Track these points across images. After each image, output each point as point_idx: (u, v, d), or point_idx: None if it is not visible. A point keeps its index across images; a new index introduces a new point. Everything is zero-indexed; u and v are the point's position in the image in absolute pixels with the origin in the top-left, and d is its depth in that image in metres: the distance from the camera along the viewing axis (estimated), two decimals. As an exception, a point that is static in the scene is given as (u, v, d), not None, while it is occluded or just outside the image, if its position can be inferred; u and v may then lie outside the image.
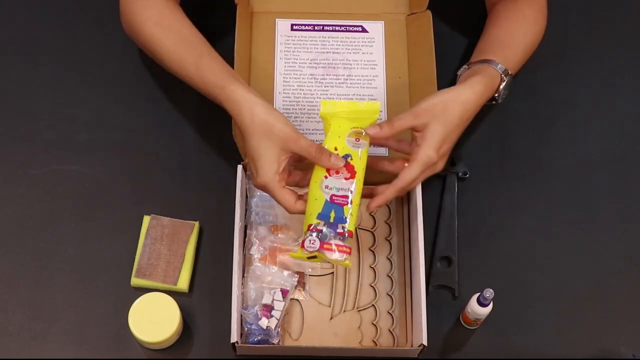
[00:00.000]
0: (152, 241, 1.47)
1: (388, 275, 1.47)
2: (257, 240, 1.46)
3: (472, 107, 1.40)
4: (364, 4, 1.66)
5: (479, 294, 1.37)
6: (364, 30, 1.64)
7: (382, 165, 1.41)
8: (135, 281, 1.45)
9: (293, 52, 1.62)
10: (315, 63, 1.61)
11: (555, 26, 1.61)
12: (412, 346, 1.40)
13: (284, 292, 1.42)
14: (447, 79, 1.53)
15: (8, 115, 1.58)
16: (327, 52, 1.62)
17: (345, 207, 1.34)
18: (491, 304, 1.38)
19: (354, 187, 1.35)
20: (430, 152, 1.35)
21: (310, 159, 1.35)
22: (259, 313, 1.40)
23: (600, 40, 1.70)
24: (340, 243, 1.34)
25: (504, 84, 1.46)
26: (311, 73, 1.60)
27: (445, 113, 1.36)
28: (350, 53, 1.62)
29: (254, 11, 1.64)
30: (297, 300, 1.45)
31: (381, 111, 1.56)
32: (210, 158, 1.54)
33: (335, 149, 1.36)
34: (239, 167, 1.43)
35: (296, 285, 1.45)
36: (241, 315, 1.40)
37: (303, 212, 1.36)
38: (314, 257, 1.35)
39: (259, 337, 1.40)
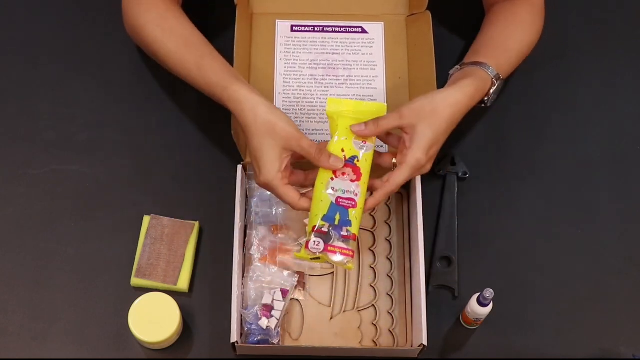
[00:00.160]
0: (152, 241, 1.47)
1: (388, 275, 1.47)
2: (257, 240, 1.46)
3: (461, 110, 1.39)
4: (364, 5, 1.66)
5: (479, 294, 1.37)
6: (363, 31, 1.64)
7: None
8: (135, 281, 1.45)
9: (293, 53, 1.62)
10: (315, 64, 1.61)
11: (555, 27, 1.62)
12: (412, 346, 1.40)
13: (284, 292, 1.42)
14: (446, 79, 1.52)
15: (8, 115, 1.59)
16: (327, 53, 1.62)
17: (350, 210, 1.35)
18: (491, 304, 1.38)
19: (360, 190, 1.36)
20: (419, 156, 1.35)
21: (310, 159, 1.35)
22: (259, 313, 1.40)
23: (600, 40, 1.70)
24: (344, 246, 1.35)
25: (494, 88, 1.46)
26: (311, 74, 1.60)
27: (434, 115, 1.36)
28: (350, 54, 1.62)
29: (253, 12, 1.64)
30: (297, 300, 1.45)
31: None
32: (210, 158, 1.54)
33: (343, 150, 1.36)
34: (239, 167, 1.43)
35: (296, 285, 1.45)
36: (241, 315, 1.40)
37: (307, 209, 1.37)
38: (317, 258, 1.36)
39: (259, 337, 1.40)
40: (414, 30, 1.63)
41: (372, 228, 1.51)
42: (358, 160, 1.36)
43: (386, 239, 1.50)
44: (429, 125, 1.35)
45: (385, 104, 1.40)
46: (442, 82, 1.52)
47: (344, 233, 1.35)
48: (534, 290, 1.49)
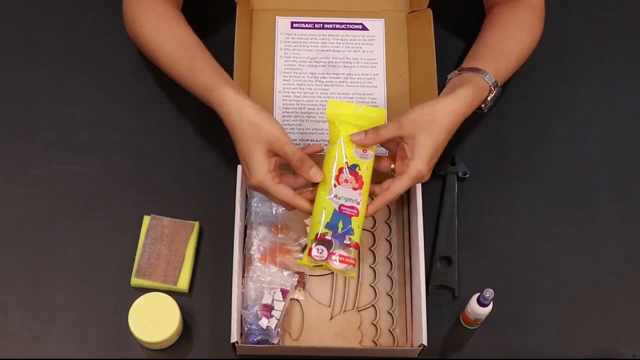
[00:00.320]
0: (152, 241, 1.47)
1: (388, 275, 1.47)
2: (257, 240, 1.46)
3: (459, 119, 1.40)
4: (365, 2, 1.65)
5: (479, 294, 1.37)
6: (364, 28, 1.64)
7: None
8: (135, 281, 1.45)
9: (293, 50, 1.61)
10: (315, 61, 1.61)
11: (555, 26, 1.61)
12: (412, 346, 1.40)
13: (284, 292, 1.42)
14: (447, 77, 1.52)
15: (8, 115, 1.58)
16: (327, 50, 1.62)
17: (353, 218, 1.35)
18: (491, 304, 1.38)
19: (362, 198, 1.36)
20: (420, 167, 1.35)
21: (291, 165, 1.36)
22: (259, 313, 1.40)
23: (600, 40, 1.70)
24: (346, 254, 1.35)
25: (492, 95, 1.46)
26: (311, 71, 1.59)
27: (433, 125, 1.36)
28: (350, 51, 1.62)
29: (253, 9, 1.64)
30: (297, 300, 1.45)
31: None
32: (210, 158, 1.54)
33: (345, 156, 1.36)
34: (239, 167, 1.43)
35: (296, 285, 1.45)
36: (241, 315, 1.40)
37: (303, 208, 1.37)
38: (320, 265, 1.36)
39: (259, 337, 1.40)
40: (414, 27, 1.62)
41: (372, 228, 1.50)
42: (359, 169, 1.36)
43: (386, 239, 1.50)
44: (428, 135, 1.35)
45: (385, 110, 1.40)
46: (442, 79, 1.51)
47: (346, 241, 1.35)
48: (534, 290, 1.49)
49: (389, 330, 1.44)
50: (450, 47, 1.63)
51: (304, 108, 1.56)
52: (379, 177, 1.39)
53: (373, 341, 1.43)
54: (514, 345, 1.45)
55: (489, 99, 1.46)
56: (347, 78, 1.59)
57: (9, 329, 1.43)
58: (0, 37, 1.65)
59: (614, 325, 1.47)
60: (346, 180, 1.36)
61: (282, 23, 1.64)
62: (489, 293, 1.35)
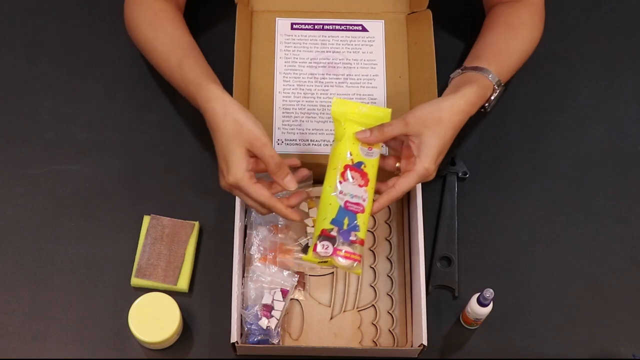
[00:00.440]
0: (152, 241, 1.47)
1: (388, 275, 1.47)
2: (257, 240, 1.46)
3: (465, 118, 1.39)
4: (364, 3, 1.65)
5: (479, 294, 1.37)
6: (364, 30, 1.64)
7: None
8: (135, 281, 1.45)
9: (293, 51, 1.61)
10: (315, 62, 1.61)
11: (555, 26, 1.62)
12: (412, 346, 1.40)
13: (284, 292, 1.42)
14: (447, 78, 1.51)
15: (8, 115, 1.59)
16: (327, 51, 1.62)
17: (358, 214, 1.35)
18: (491, 304, 1.38)
19: (367, 195, 1.35)
20: (427, 165, 1.35)
21: (267, 169, 1.35)
22: (259, 313, 1.40)
23: (600, 40, 1.70)
24: (352, 250, 1.34)
25: (495, 94, 1.46)
26: (311, 72, 1.59)
27: (439, 124, 1.35)
28: (350, 52, 1.62)
29: (254, 10, 1.64)
30: (297, 300, 1.45)
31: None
32: (211, 158, 1.53)
33: (351, 153, 1.36)
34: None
35: (296, 285, 1.45)
36: (241, 315, 1.40)
37: (279, 210, 1.35)
38: (325, 261, 1.35)
39: (259, 337, 1.40)
40: (414, 28, 1.62)
41: (372, 228, 1.51)
42: (365, 166, 1.36)
43: (386, 239, 1.50)
44: (435, 134, 1.35)
45: (390, 110, 1.39)
46: (442, 81, 1.51)
47: (352, 238, 1.34)
48: (534, 290, 1.49)
49: (389, 330, 1.44)
50: (450, 48, 1.63)
51: (304, 109, 1.56)
52: (384, 176, 1.39)
53: (373, 341, 1.43)
54: (514, 345, 1.45)
55: (492, 98, 1.46)
56: (347, 79, 1.59)
57: (9, 329, 1.43)
58: (0, 37, 1.65)
59: (614, 325, 1.47)
60: (352, 177, 1.35)
61: (282, 24, 1.64)
62: (489, 293, 1.35)
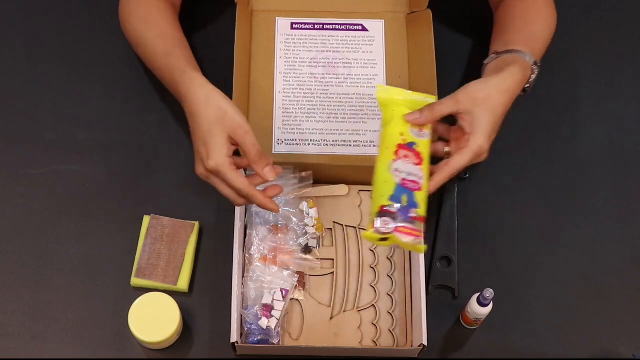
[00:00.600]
0: (152, 241, 1.47)
1: (388, 275, 1.47)
2: (257, 240, 1.46)
3: (511, 97, 1.38)
4: (364, 3, 1.65)
5: (479, 294, 1.37)
6: (364, 29, 1.64)
7: None
8: (135, 281, 1.45)
9: (293, 51, 1.61)
10: (315, 62, 1.61)
11: (556, 26, 1.61)
12: (412, 346, 1.41)
13: (284, 292, 1.42)
14: (447, 78, 1.51)
15: (8, 115, 1.59)
16: (327, 51, 1.62)
17: (416, 192, 1.30)
18: (491, 304, 1.38)
19: (423, 174, 1.32)
20: (481, 142, 1.33)
21: (248, 157, 1.33)
22: (259, 313, 1.40)
23: (600, 40, 1.70)
24: (413, 227, 1.28)
25: (534, 75, 1.45)
26: (311, 72, 1.59)
27: (490, 101, 1.34)
28: (350, 52, 1.62)
29: (254, 10, 1.64)
30: (297, 300, 1.45)
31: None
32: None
33: (402, 134, 1.34)
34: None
35: (296, 285, 1.45)
36: (241, 315, 1.40)
37: (257, 199, 1.34)
38: (385, 239, 1.29)
39: (259, 337, 1.40)
40: (414, 28, 1.62)
41: (372, 228, 1.50)
42: (417, 146, 1.33)
43: (386, 239, 1.50)
44: (486, 111, 1.34)
45: (435, 95, 1.38)
46: (442, 81, 1.50)
47: (412, 214, 1.29)
48: (534, 290, 1.49)
49: (389, 330, 1.44)
50: (450, 47, 1.63)
51: (304, 109, 1.56)
52: (432, 161, 1.36)
53: (373, 341, 1.43)
54: (514, 345, 1.46)
55: (532, 79, 1.45)
56: (346, 79, 1.59)
57: (9, 329, 1.43)
58: (0, 37, 1.65)
59: (614, 325, 1.48)
60: (405, 156, 1.32)
61: (282, 24, 1.64)
62: (489, 293, 1.35)
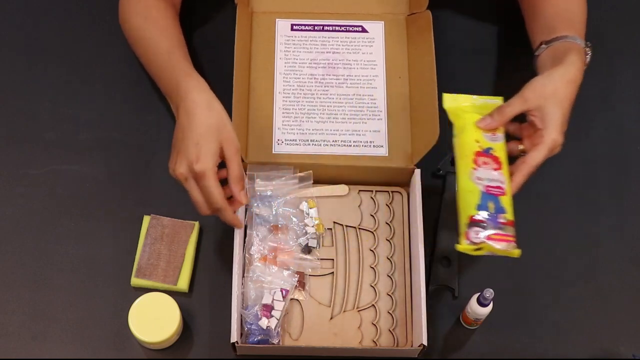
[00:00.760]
0: (152, 241, 1.47)
1: (388, 275, 1.47)
2: (257, 240, 1.46)
3: (578, 85, 1.38)
4: (364, 4, 1.66)
5: (479, 294, 1.37)
6: (364, 30, 1.64)
7: None
8: (135, 281, 1.45)
9: (293, 52, 1.62)
10: (315, 63, 1.61)
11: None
12: (412, 346, 1.41)
13: (284, 292, 1.42)
14: (447, 78, 1.51)
15: (8, 115, 1.59)
16: (327, 52, 1.62)
17: (501, 197, 1.32)
18: (491, 304, 1.38)
19: (504, 178, 1.34)
20: (555, 135, 1.34)
21: (229, 176, 1.35)
22: (259, 313, 1.40)
23: (601, 40, 1.69)
24: (504, 233, 1.31)
25: (588, 57, 1.45)
26: (311, 73, 1.60)
27: (557, 94, 1.35)
28: (350, 53, 1.62)
29: (254, 11, 1.64)
30: (297, 300, 1.45)
31: (381, 111, 1.56)
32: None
33: (478, 141, 1.35)
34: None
35: (296, 285, 1.44)
36: (241, 315, 1.40)
37: (227, 213, 1.35)
38: (479, 249, 1.31)
39: (259, 337, 1.40)
40: (414, 29, 1.63)
41: (372, 228, 1.50)
42: (494, 151, 1.35)
43: (387, 239, 1.50)
44: (555, 104, 1.34)
45: (502, 97, 1.39)
46: (442, 81, 1.50)
47: (501, 220, 1.31)
48: (534, 290, 1.49)
49: (389, 330, 1.44)
50: (449, 48, 1.63)
51: (304, 109, 1.56)
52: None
53: (373, 341, 1.43)
54: (514, 345, 1.45)
55: (587, 61, 1.45)
56: (346, 79, 1.59)
57: (9, 329, 1.43)
58: (0, 37, 1.65)
59: (614, 325, 1.47)
60: (485, 163, 1.34)
61: (282, 25, 1.64)
62: (489, 293, 1.35)
